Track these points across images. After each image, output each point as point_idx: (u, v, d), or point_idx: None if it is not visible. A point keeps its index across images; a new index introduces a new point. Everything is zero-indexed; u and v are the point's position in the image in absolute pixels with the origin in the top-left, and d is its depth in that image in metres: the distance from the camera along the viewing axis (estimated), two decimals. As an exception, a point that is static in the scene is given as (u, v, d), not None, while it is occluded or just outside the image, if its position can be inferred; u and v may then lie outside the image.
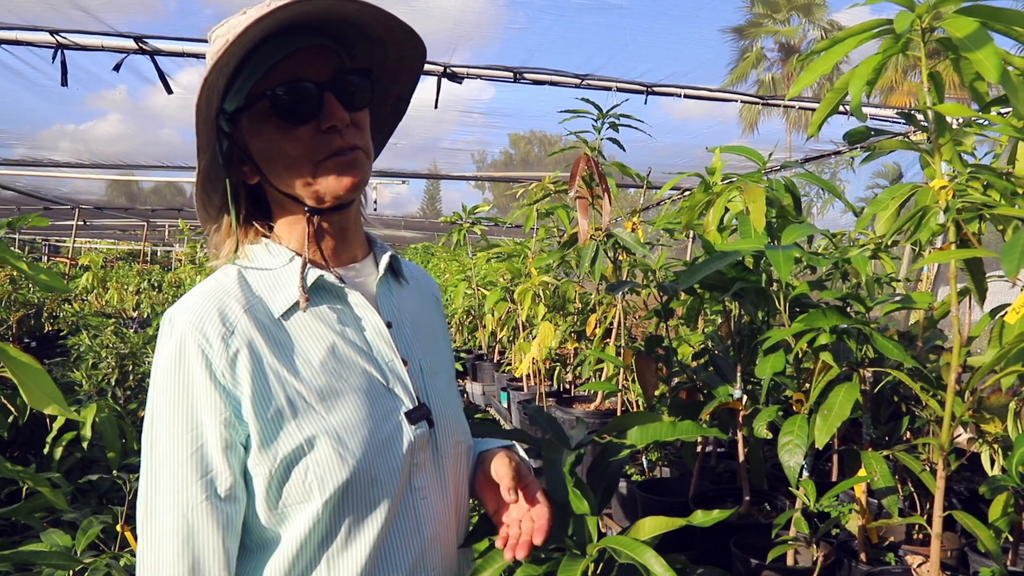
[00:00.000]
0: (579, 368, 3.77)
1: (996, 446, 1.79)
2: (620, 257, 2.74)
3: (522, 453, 1.23)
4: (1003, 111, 1.49)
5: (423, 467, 1.06)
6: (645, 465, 2.68)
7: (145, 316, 9.12)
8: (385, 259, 1.14)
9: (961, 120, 1.60)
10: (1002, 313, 1.45)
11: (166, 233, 18.26)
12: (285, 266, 1.05)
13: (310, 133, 0.99)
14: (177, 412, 0.95)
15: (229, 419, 0.95)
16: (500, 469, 1.11)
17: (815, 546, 1.68)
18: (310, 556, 0.98)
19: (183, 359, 0.95)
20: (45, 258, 18.34)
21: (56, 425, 3.08)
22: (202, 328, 0.96)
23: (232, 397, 0.95)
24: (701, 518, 1.22)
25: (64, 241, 20.50)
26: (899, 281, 2.98)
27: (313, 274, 1.04)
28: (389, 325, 1.09)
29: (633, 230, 2.80)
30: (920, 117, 1.41)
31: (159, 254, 20.68)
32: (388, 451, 1.02)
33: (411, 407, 1.06)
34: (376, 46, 1.08)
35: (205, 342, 0.95)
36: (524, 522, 1.09)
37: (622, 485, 2.51)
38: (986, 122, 1.48)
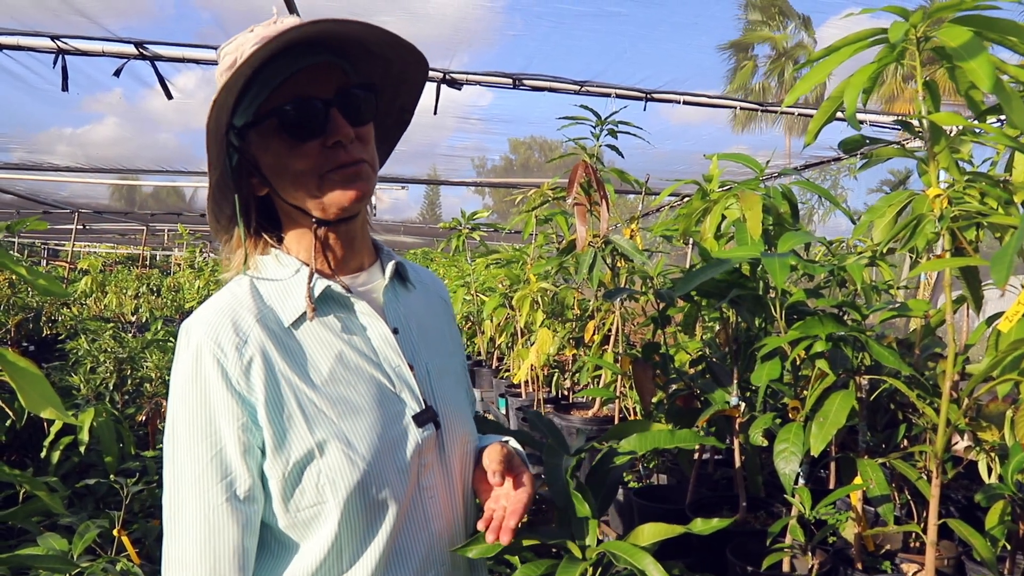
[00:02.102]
0: (577, 375, 3.78)
1: (993, 454, 1.79)
2: (618, 264, 2.74)
3: (517, 445, 1.25)
4: (1001, 118, 1.50)
5: (431, 467, 1.10)
6: (642, 472, 2.67)
7: (144, 320, 9.12)
8: (391, 266, 1.17)
9: (960, 126, 1.60)
10: (998, 321, 1.45)
11: (165, 237, 18.26)
12: (293, 276, 1.09)
13: (316, 148, 1.03)
14: (196, 419, 0.99)
15: (246, 424, 0.99)
16: (490, 455, 1.13)
17: (811, 554, 1.68)
18: (327, 556, 1.02)
19: (200, 368, 0.99)
20: (44, 262, 18.34)
21: (54, 429, 3.08)
22: (217, 338, 1.00)
23: (247, 403, 0.99)
24: (700, 526, 1.22)
25: (63, 245, 20.50)
26: (898, 288, 2.99)
27: (320, 284, 1.07)
28: (396, 331, 1.13)
29: (631, 237, 2.80)
30: (917, 125, 1.41)
31: (158, 258, 20.68)
32: (396, 453, 1.05)
33: (418, 410, 1.09)
34: (378, 61, 1.12)
35: (220, 351, 0.99)
36: (507, 505, 1.10)
37: (619, 492, 2.51)
38: (982, 131, 1.48)
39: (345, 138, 1.02)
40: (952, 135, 1.50)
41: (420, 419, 1.09)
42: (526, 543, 1.17)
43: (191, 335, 1.02)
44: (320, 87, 1.03)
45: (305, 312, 1.05)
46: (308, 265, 1.09)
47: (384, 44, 1.07)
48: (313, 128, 1.02)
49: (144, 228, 14.92)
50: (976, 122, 1.38)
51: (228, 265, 1.13)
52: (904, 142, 4.22)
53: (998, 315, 1.56)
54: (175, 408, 1.01)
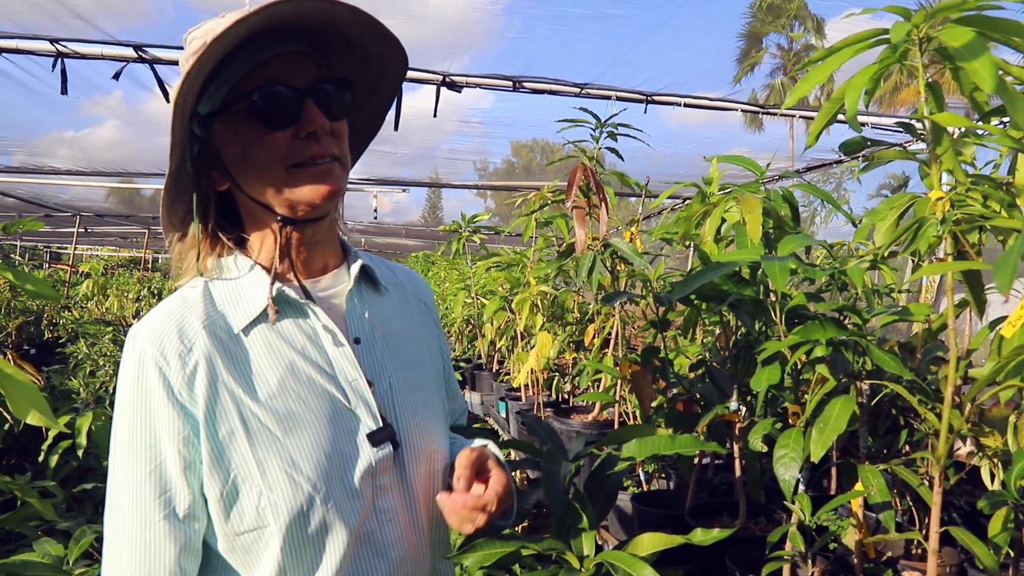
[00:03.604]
0: (577, 378, 3.76)
1: (996, 460, 1.77)
2: (618, 267, 2.72)
3: (495, 449, 1.18)
4: (1005, 120, 1.48)
5: (388, 489, 1.03)
6: (642, 477, 2.65)
7: (145, 323, 9.10)
8: (356, 268, 1.10)
9: (963, 128, 1.58)
10: (1001, 326, 1.43)
11: (167, 240, 18.25)
12: (245, 276, 1.02)
13: (287, 138, 0.97)
14: (137, 430, 0.93)
15: (187, 438, 0.93)
16: (460, 459, 1.06)
17: (811, 561, 1.66)
18: None
19: (142, 377, 0.94)
20: (46, 265, 18.38)
21: (52, 433, 3.07)
22: (161, 346, 0.94)
23: (190, 416, 0.93)
24: (701, 536, 1.19)
25: (65, 248, 20.53)
26: (900, 292, 2.96)
27: (274, 288, 1.01)
28: (357, 341, 1.06)
29: (632, 240, 2.78)
30: (919, 127, 1.40)
31: (160, 261, 20.69)
32: (346, 475, 0.99)
33: (374, 428, 1.02)
34: (358, 58, 1.06)
35: (163, 360, 0.93)
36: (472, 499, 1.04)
37: (619, 497, 2.49)
38: (986, 132, 1.46)
39: (320, 129, 0.96)
40: (956, 136, 1.48)
41: (375, 438, 1.02)
42: (525, 552, 1.15)
43: (137, 341, 0.96)
44: (295, 76, 0.97)
45: (257, 317, 0.99)
46: (265, 266, 1.02)
47: (367, 34, 1.00)
48: (286, 116, 0.96)
49: (146, 231, 14.93)
50: (980, 123, 1.36)
51: (179, 267, 1.05)
52: (907, 143, 4.20)
53: (1001, 319, 1.54)
54: (118, 417, 0.95)
